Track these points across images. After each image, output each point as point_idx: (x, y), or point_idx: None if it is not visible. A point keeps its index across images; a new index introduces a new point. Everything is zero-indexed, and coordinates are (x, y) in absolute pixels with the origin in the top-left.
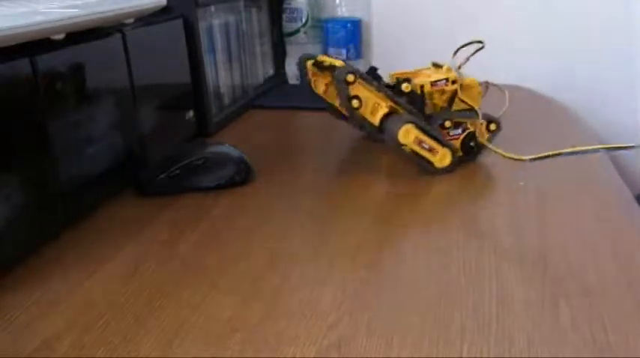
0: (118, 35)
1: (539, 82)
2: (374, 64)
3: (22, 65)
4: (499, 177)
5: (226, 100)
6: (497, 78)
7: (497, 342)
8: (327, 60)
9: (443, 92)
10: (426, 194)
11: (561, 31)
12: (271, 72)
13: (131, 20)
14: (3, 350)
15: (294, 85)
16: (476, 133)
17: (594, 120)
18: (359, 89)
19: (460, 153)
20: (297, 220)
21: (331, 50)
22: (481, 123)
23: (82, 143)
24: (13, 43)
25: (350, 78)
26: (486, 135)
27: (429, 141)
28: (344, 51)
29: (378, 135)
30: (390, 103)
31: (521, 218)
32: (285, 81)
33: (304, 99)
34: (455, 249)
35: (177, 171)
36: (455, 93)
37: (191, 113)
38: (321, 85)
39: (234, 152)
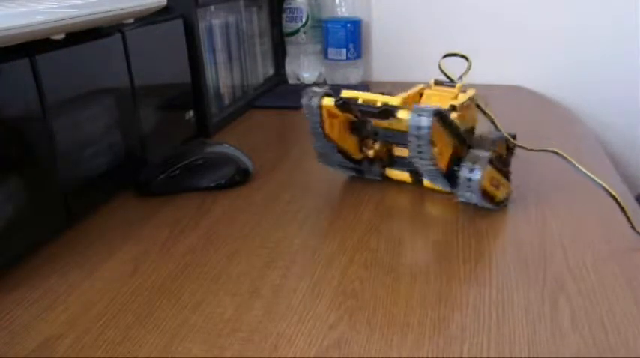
0: (118, 35)
1: (540, 82)
2: (374, 64)
3: (22, 65)
4: None
5: (226, 100)
6: (498, 78)
7: (497, 342)
8: (364, 96)
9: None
10: (426, 193)
11: (562, 31)
12: (271, 72)
13: (131, 20)
14: (3, 349)
15: (294, 85)
16: (503, 155)
17: (594, 121)
18: (436, 133)
19: None
20: (297, 220)
21: (331, 50)
22: (502, 142)
23: (82, 143)
24: (13, 43)
25: (432, 122)
26: (505, 154)
27: (499, 177)
28: (344, 51)
29: (441, 182)
30: (455, 141)
31: (521, 218)
32: (285, 81)
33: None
34: (455, 249)
35: (177, 171)
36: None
37: (191, 113)
38: (335, 129)
39: (234, 152)
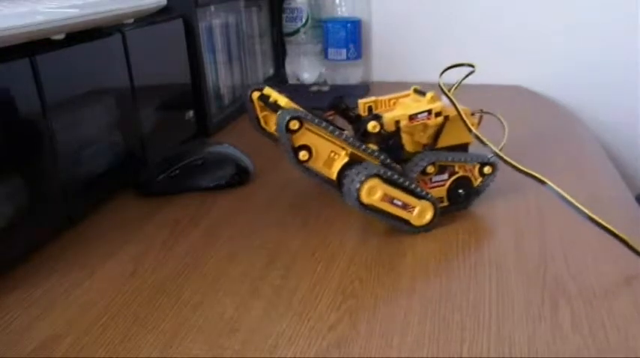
0: (118, 35)
1: (540, 82)
2: (374, 64)
3: (22, 65)
4: (498, 177)
5: (226, 100)
6: (498, 78)
7: (497, 342)
8: (273, 95)
9: (425, 127)
10: None
11: (562, 31)
12: (271, 72)
13: (131, 20)
14: (3, 349)
15: (294, 85)
16: (470, 179)
17: (594, 121)
18: (307, 137)
19: (445, 203)
20: (297, 220)
21: (331, 50)
22: (473, 166)
23: (82, 143)
24: (13, 43)
25: (294, 125)
26: (479, 180)
27: (403, 197)
28: (344, 51)
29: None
30: (352, 149)
31: (521, 218)
32: (285, 81)
33: (304, 99)
34: (455, 249)
35: (177, 171)
36: (441, 127)
37: (191, 113)
38: (272, 124)
39: (234, 152)
